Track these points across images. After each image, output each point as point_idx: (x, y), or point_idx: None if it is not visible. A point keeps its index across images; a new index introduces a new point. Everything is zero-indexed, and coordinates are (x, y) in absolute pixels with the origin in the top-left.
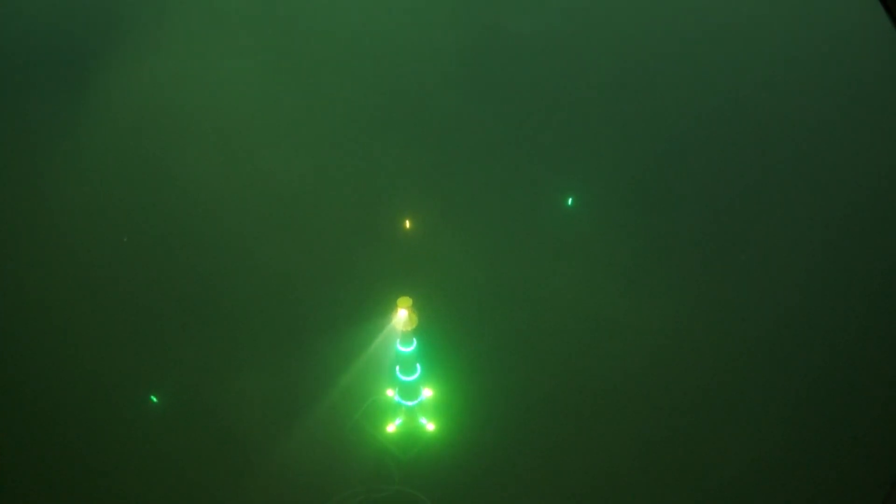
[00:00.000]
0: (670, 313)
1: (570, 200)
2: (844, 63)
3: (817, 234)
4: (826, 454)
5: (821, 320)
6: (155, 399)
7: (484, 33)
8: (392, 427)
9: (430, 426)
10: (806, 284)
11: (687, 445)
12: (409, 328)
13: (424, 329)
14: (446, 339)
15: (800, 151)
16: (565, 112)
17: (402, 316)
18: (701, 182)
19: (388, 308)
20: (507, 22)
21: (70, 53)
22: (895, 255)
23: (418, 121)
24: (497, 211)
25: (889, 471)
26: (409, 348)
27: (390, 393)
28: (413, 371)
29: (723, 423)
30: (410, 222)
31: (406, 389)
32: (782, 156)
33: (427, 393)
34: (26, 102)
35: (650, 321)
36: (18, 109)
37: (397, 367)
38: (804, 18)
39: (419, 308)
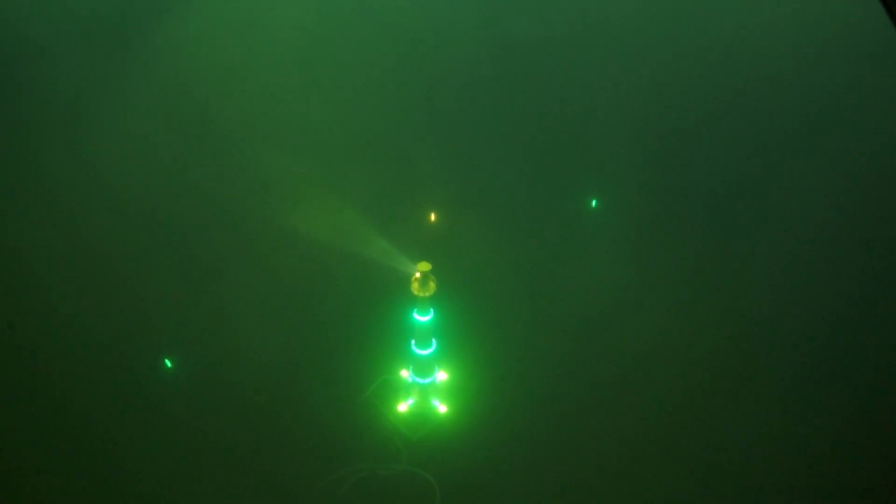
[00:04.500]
0: (689, 301)
1: (594, 202)
2: (844, 62)
3: (823, 224)
4: (832, 445)
5: (831, 308)
6: (169, 363)
7: (505, 37)
8: (403, 406)
9: (442, 408)
10: (813, 271)
11: (694, 433)
12: (427, 294)
13: (442, 306)
14: (463, 322)
15: (804, 146)
16: (580, 107)
17: (419, 276)
18: (711, 173)
19: (407, 281)
20: (526, 27)
21: (120, 9)
22: None
23: (443, 113)
24: (518, 202)
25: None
26: (425, 318)
27: (405, 374)
28: (428, 345)
29: (737, 410)
30: (435, 205)
31: (420, 365)
32: (788, 150)
33: (441, 375)
34: (77, 56)
35: (672, 311)
36: (69, 63)
37: (412, 341)
38: (805, 18)
39: (438, 288)
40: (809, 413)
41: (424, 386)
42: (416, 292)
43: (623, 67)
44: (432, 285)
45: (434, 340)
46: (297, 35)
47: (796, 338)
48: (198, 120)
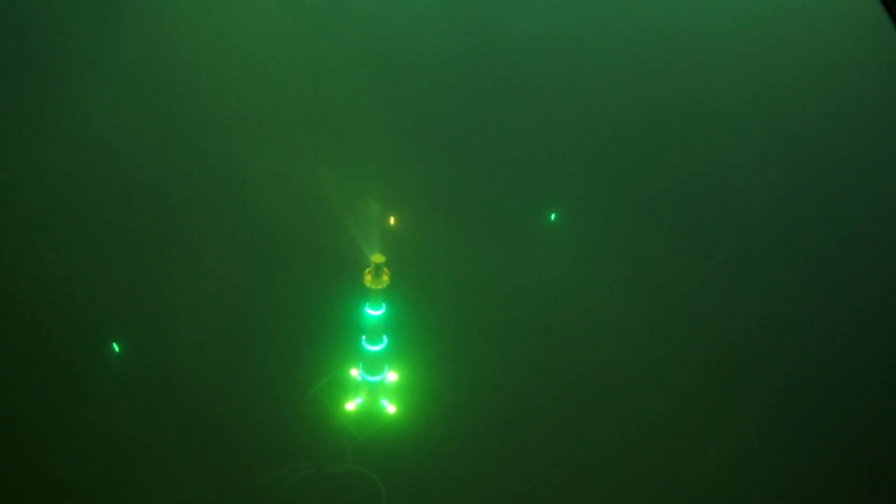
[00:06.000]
0: (650, 310)
1: (552, 216)
2: (844, 63)
3: (809, 231)
4: (814, 456)
5: (813, 318)
6: (116, 348)
7: (486, 34)
8: (351, 405)
9: (390, 408)
10: (795, 282)
11: (661, 441)
12: (379, 287)
13: (395, 301)
14: (417, 320)
15: (796, 149)
16: (559, 111)
17: (372, 268)
18: (687, 178)
19: (360, 272)
20: (509, 24)
21: None
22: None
23: (418, 109)
24: (483, 204)
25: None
26: (377, 311)
27: (354, 372)
28: (379, 341)
29: (704, 422)
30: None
31: (370, 362)
32: (775, 154)
33: (392, 376)
34: (69, 29)
35: (631, 320)
36: (62, 34)
37: (363, 337)
38: (805, 17)
39: (393, 282)
40: (783, 432)
41: (374, 384)
42: (368, 284)
43: (607, 74)
44: (385, 278)
45: (385, 337)
46: (284, 14)
47: (766, 350)
48: (168, 104)
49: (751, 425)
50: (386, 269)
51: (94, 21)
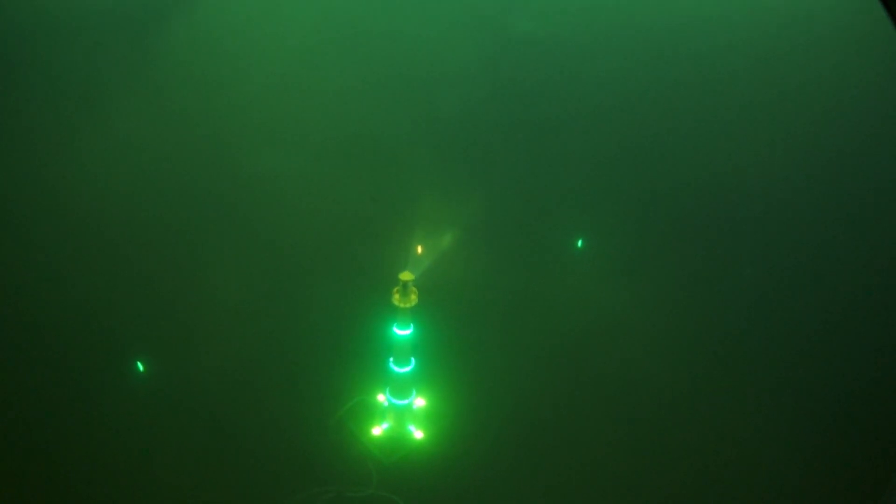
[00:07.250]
0: (673, 332)
1: (579, 243)
2: (844, 63)
3: (814, 235)
4: (822, 452)
5: (818, 321)
6: (141, 367)
7: (520, 62)
8: (378, 430)
9: (418, 434)
10: (803, 285)
11: (677, 466)
12: (408, 306)
13: (423, 322)
14: (445, 342)
15: (799, 153)
16: (582, 128)
17: (400, 286)
18: (703, 188)
19: (388, 291)
20: (526, 28)
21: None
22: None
23: (445, 126)
24: (511, 224)
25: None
26: (405, 332)
27: (381, 398)
28: (407, 362)
29: (713, 427)
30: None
31: (397, 385)
32: (783, 160)
33: (420, 402)
34: (97, 41)
35: (658, 341)
36: (88, 47)
37: (391, 358)
38: (805, 17)
39: (421, 302)
40: (802, 433)
41: (401, 408)
42: (396, 303)
43: (631, 88)
44: (414, 297)
45: (413, 358)
46: (303, 35)
47: (777, 371)
48: (195, 116)
49: (794, 445)
50: (414, 288)
51: (129, 40)
